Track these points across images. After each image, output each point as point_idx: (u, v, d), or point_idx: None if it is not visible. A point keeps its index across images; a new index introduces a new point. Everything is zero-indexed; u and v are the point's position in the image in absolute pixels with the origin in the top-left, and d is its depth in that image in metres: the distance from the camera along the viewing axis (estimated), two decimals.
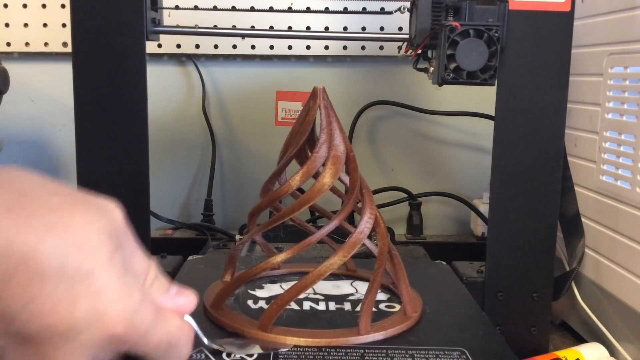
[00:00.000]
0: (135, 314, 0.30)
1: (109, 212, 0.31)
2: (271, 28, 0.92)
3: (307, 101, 0.49)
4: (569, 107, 0.61)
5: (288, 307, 0.50)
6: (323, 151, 0.47)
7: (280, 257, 0.47)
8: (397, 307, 0.52)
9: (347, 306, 0.52)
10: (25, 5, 0.92)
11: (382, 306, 0.52)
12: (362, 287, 0.56)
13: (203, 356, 0.41)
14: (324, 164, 0.47)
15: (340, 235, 0.49)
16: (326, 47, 0.94)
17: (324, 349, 0.43)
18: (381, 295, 0.55)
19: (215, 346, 0.43)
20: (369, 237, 0.48)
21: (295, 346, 0.43)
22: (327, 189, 0.46)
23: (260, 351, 0.43)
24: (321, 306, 0.52)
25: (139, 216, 0.59)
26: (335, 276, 0.59)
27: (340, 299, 0.53)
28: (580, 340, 0.66)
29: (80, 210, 0.29)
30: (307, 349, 0.43)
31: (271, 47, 0.94)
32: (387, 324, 0.47)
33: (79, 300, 0.28)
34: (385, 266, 0.49)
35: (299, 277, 0.58)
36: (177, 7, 0.87)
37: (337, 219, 0.47)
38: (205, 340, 0.42)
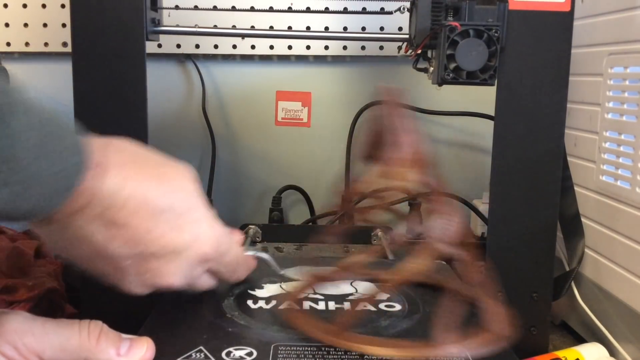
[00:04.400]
0: (218, 239, 0.42)
1: (189, 169, 0.41)
2: (271, 28, 0.92)
3: (378, 102, 0.47)
4: (569, 107, 0.61)
5: (287, 306, 0.50)
6: (399, 153, 0.45)
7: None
8: (397, 306, 0.51)
9: (347, 305, 0.52)
10: (25, 5, 0.92)
11: (381, 306, 0.52)
12: (361, 287, 0.56)
13: (202, 355, 0.41)
14: (399, 165, 0.45)
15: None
16: (326, 47, 0.94)
17: (323, 348, 0.43)
18: (381, 295, 0.54)
19: (289, 275, 0.55)
20: (441, 241, 0.47)
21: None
22: (402, 190, 0.45)
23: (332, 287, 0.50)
24: (321, 306, 0.52)
25: None
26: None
27: (339, 298, 0.53)
28: (580, 340, 0.66)
29: (174, 167, 0.40)
30: (306, 347, 0.43)
31: (271, 47, 0.94)
32: (471, 341, 0.44)
33: (183, 227, 0.39)
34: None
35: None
36: (177, 7, 0.87)
37: (413, 221, 0.45)
38: (280, 270, 0.54)
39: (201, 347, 0.42)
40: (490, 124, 0.62)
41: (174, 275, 0.40)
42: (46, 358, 0.36)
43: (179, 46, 0.93)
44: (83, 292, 0.60)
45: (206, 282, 0.46)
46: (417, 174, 0.45)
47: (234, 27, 0.91)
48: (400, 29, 0.91)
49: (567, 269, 0.65)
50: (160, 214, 0.38)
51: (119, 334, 0.39)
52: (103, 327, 0.39)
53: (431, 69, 0.59)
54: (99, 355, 0.37)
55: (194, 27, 0.66)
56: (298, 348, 0.43)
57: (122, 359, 0.38)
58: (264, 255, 0.55)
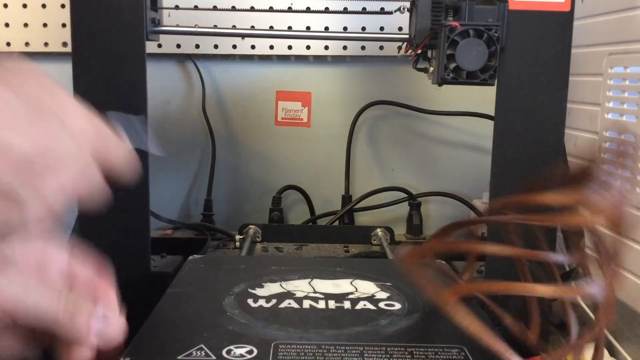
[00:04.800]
0: (94, 121, 0.37)
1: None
2: (271, 28, 0.92)
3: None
4: (569, 107, 0.61)
5: (287, 305, 0.51)
6: (602, 193, 0.41)
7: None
8: (397, 305, 0.52)
9: (347, 304, 0.52)
10: (25, 5, 0.92)
11: (381, 304, 0.52)
12: (361, 286, 0.56)
13: (203, 353, 0.41)
14: (589, 210, 0.40)
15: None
16: (326, 47, 0.94)
17: (323, 346, 0.43)
18: (381, 294, 0.55)
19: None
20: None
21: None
22: (572, 224, 0.41)
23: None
24: (321, 304, 0.52)
25: (139, 216, 0.59)
26: (334, 275, 0.59)
27: (339, 297, 0.54)
28: None
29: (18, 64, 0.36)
30: (306, 345, 0.43)
31: (271, 47, 0.94)
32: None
33: (58, 118, 0.35)
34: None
35: (298, 276, 0.58)
36: (177, 7, 0.87)
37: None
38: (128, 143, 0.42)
39: (202, 345, 0.42)
40: (490, 124, 0.62)
41: (72, 174, 0.35)
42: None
43: (179, 46, 0.94)
44: None
45: (99, 182, 0.38)
46: (606, 223, 0.41)
47: (234, 27, 0.91)
48: (400, 29, 0.91)
49: (567, 269, 0.65)
50: (31, 114, 0.34)
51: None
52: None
53: (431, 69, 0.59)
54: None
55: (194, 27, 0.66)
56: (298, 346, 0.43)
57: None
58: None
